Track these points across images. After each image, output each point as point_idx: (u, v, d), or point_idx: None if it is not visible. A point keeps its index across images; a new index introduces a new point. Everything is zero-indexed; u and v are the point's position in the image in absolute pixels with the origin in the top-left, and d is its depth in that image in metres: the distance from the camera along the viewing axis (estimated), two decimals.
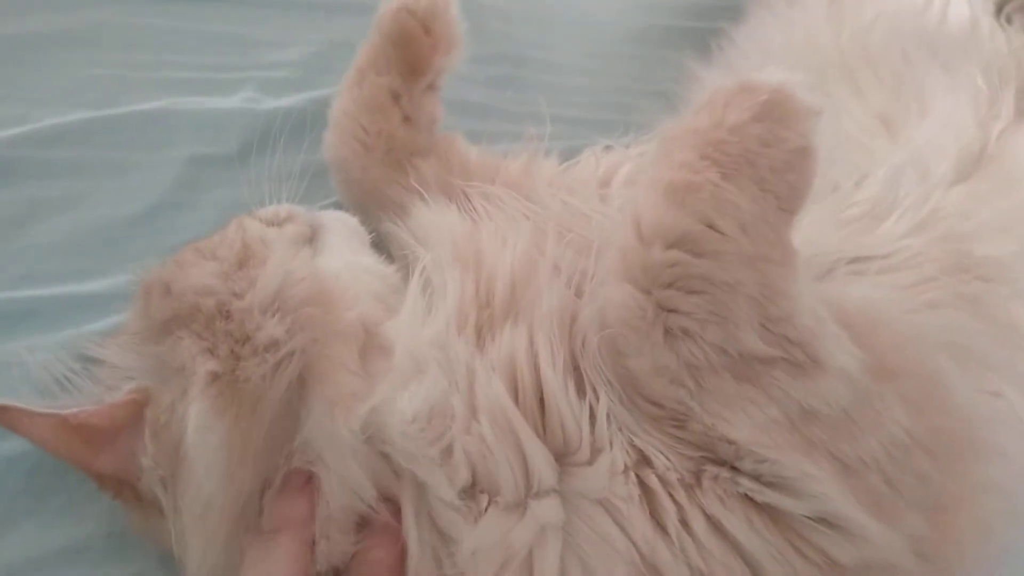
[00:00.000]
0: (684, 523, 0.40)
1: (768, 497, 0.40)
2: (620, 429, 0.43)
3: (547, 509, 0.41)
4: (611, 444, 0.42)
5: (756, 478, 0.40)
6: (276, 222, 0.56)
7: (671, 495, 0.41)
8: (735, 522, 0.40)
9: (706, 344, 0.40)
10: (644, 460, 0.42)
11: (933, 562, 0.43)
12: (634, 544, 0.40)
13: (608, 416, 0.43)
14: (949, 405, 0.44)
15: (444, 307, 0.47)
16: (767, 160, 0.42)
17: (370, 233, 0.61)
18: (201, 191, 0.70)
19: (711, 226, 0.40)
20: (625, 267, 0.42)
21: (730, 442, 0.40)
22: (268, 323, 0.45)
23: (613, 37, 1.00)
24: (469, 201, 0.55)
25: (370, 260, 0.57)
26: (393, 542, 0.43)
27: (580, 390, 0.44)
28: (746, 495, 0.40)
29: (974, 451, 0.45)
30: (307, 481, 0.44)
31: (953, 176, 0.59)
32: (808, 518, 0.40)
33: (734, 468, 0.41)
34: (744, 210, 0.41)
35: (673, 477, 0.41)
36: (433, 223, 0.54)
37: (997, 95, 0.65)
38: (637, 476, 0.41)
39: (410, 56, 0.61)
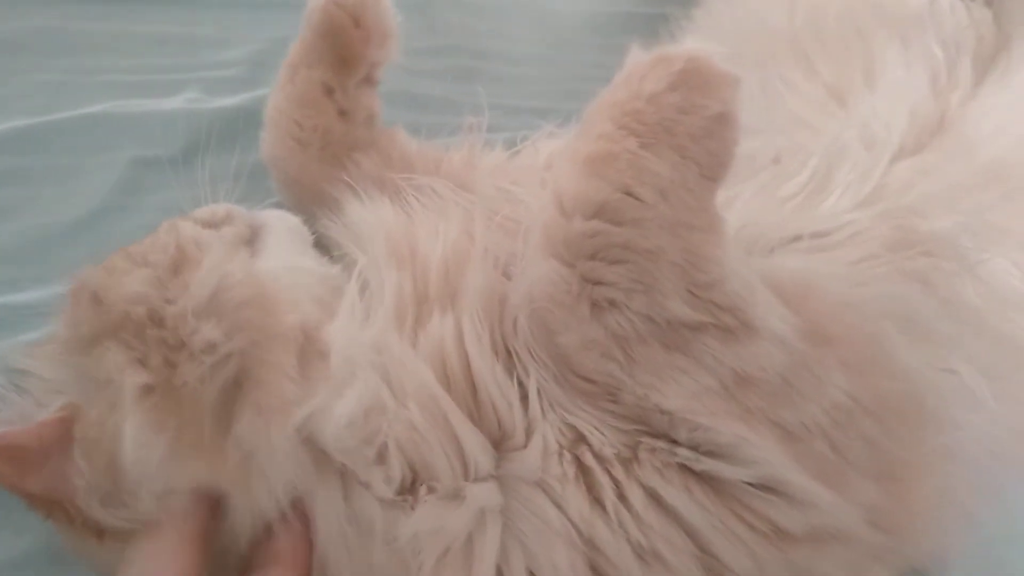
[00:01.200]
0: (622, 498, 0.40)
1: (706, 465, 0.40)
2: (553, 408, 0.42)
3: (484, 494, 0.41)
4: (543, 424, 0.42)
5: (693, 447, 0.40)
6: (213, 223, 0.54)
7: (608, 471, 0.40)
8: (674, 493, 0.39)
9: (632, 314, 0.40)
10: (579, 438, 0.41)
11: (889, 532, 0.42)
12: (572, 523, 0.40)
13: (540, 396, 0.42)
14: (892, 369, 0.44)
15: (382, 308, 0.46)
16: (685, 127, 0.41)
17: (312, 233, 0.60)
18: (144, 194, 0.69)
19: (630, 194, 0.40)
20: (549, 242, 0.41)
21: (664, 412, 0.40)
22: (204, 327, 0.43)
23: (572, 25, 0.99)
24: (404, 195, 0.54)
25: (311, 261, 0.56)
26: (301, 549, 0.42)
27: (511, 372, 0.43)
28: (684, 465, 0.40)
29: (925, 418, 0.44)
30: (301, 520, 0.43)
31: (902, 148, 0.58)
32: (751, 485, 0.40)
33: (671, 439, 0.40)
34: (663, 177, 0.40)
35: (609, 452, 0.40)
36: (367, 220, 0.52)
37: (955, 63, 0.64)
38: (573, 454, 0.41)
39: (341, 49, 0.60)
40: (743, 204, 0.53)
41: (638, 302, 0.40)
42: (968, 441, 0.47)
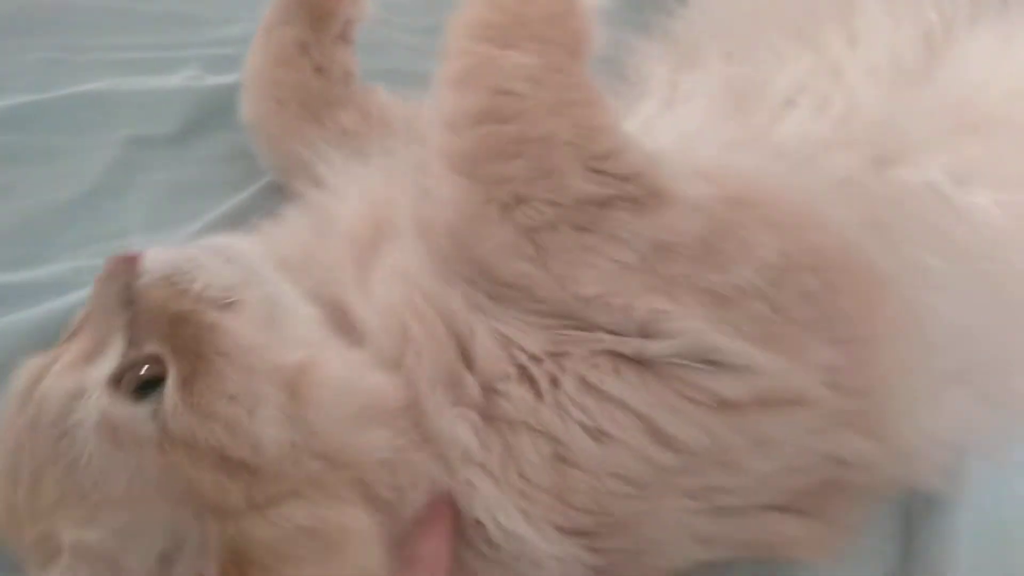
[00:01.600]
0: (556, 387, 0.40)
1: (631, 346, 0.40)
2: (485, 318, 0.42)
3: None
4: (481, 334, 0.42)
5: (615, 332, 0.40)
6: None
7: (542, 367, 0.40)
8: (603, 378, 0.40)
9: (539, 202, 0.40)
10: (510, 341, 0.41)
11: (851, 394, 0.41)
12: (523, 416, 0.40)
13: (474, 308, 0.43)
14: (825, 224, 0.44)
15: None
16: (536, 14, 0.43)
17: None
18: (141, 173, 0.68)
19: (505, 92, 0.41)
20: (447, 161, 0.42)
21: (581, 300, 0.40)
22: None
23: None
24: (376, 155, 0.53)
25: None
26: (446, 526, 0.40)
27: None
28: (613, 351, 0.40)
29: (875, 278, 0.44)
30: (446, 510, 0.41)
31: (875, 83, 0.55)
32: (685, 359, 0.40)
33: (595, 328, 0.41)
34: (530, 66, 0.42)
35: (539, 350, 0.41)
36: (344, 182, 0.51)
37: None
38: (508, 354, 0.41)
39: (314, 7, 0.60)
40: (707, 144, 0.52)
41: (541, 188, 0.40)
42: (934, 324, 0.45)
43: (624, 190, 0.40)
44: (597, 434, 0.39)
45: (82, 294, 0.57)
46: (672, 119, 0.56)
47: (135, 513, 0.36)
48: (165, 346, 0.38)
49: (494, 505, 0.39)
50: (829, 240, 0.43)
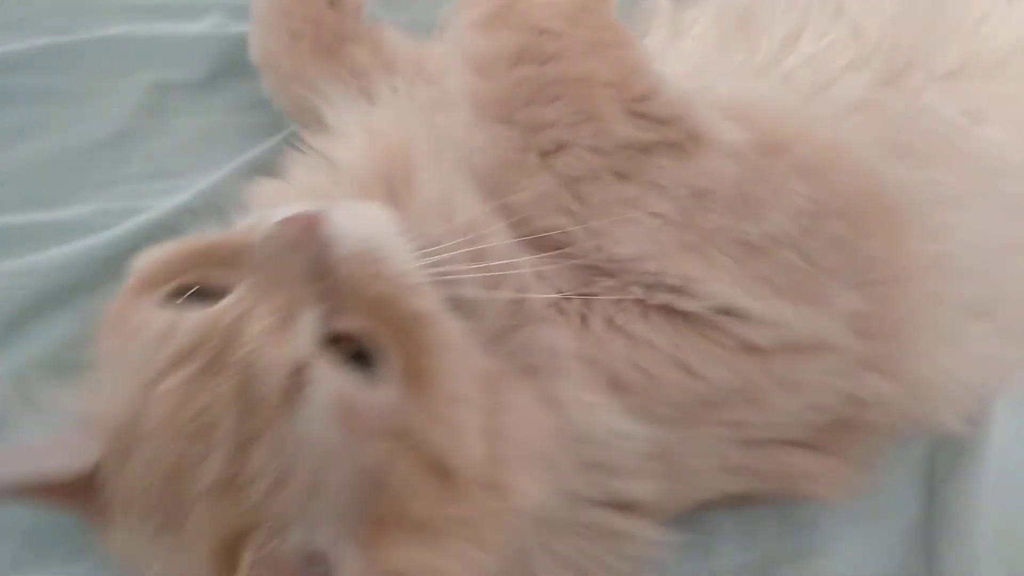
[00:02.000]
0: (585, 324, 0.40)
1: (661, 299, 0.40)
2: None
3: None
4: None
5: (647, 286, 0.40)
6: None
7: (571, 304, 0.40)
8: (631, 320, 0.40)
9: (581, 149, 0.40)
10: (543, 276, 0.41)
11: (878, 339, 0.42)
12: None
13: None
14: (854, 168, 0.43)
15: None
16: None
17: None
18: (165, 118, 0.68)
19: (542, 31, 0.41)
20: (480, 108, 0.41)
21: (615, 261, 0.40)
22: None
23: None
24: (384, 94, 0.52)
25: None
26: None
27: None
28: (641, 300, 0.40)
29: (901, 217, 0.44)
30: None
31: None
32: (712, 310, 0.40)
33: (629, 284, 0.41)
34: (563, 4, 0.41)
35: (567, 287, 0.40)
36: (356, 124, 0.50)
37: None
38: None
39: None
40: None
41: (585, 132, 0.40)
42: (955, 247, 0.45)
43: (665, 135, 0.40)
44: (635, 366, 0.39)
45: (109, 235, 0.59)
46: (680, 51, 0.54)
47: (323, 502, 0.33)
48: (377, 327, 0.35)
49: None
50: (858, 184, 0.43)
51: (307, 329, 0.33)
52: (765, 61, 0.51)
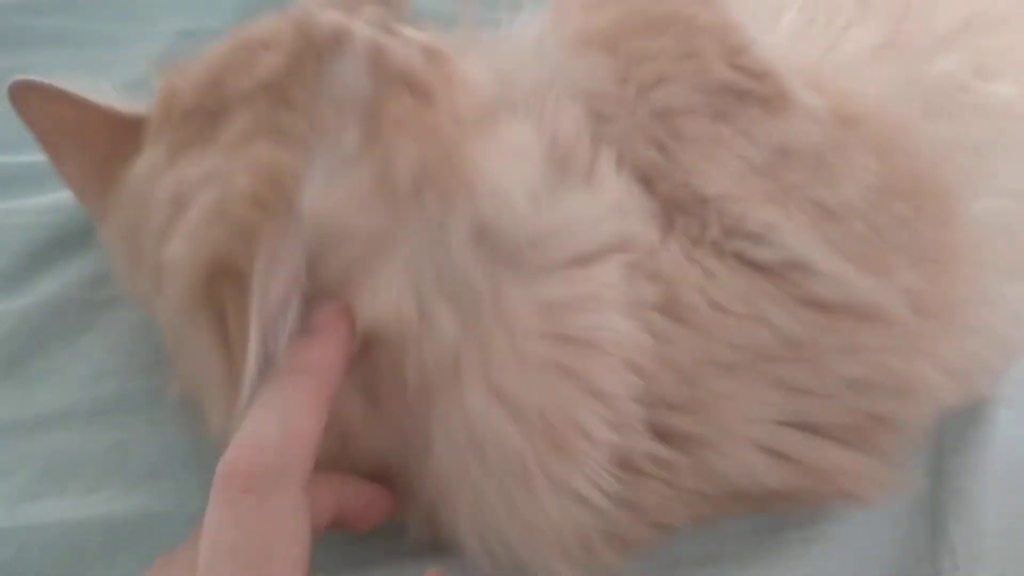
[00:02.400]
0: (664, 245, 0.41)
1: (736, 245, 0.41)
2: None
3: None
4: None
5: (725, 230, 0.41)
6: None
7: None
8: (704, 257, 0.41)
9: (682, 83, 0.41)
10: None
11: (930, 317, 0.43)
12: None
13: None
14: (911, 146, 0.44)
15: None
16: None
17: None
18: None
19: None
20: (583, 36, 0.42)
21: (701, 200, 0.41)
22: None
23: None
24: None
25: None
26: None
27: None
28: (716, 242, 0.41)
29: (953, 197, 0.44)
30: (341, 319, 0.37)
31: None
32: (784, 263, 0.41)
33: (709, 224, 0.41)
34: None
35: (648, 217, 0.41)
36: None
37: None
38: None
39: None
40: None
41: (688, 68, 0.41)
42: (999, 198, 0.46)
43: (758, 88, 0.41)
44: (704, 295, 0.40)
45: None
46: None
47: None
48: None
49: None
50: (920, 166, 0.44)
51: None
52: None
